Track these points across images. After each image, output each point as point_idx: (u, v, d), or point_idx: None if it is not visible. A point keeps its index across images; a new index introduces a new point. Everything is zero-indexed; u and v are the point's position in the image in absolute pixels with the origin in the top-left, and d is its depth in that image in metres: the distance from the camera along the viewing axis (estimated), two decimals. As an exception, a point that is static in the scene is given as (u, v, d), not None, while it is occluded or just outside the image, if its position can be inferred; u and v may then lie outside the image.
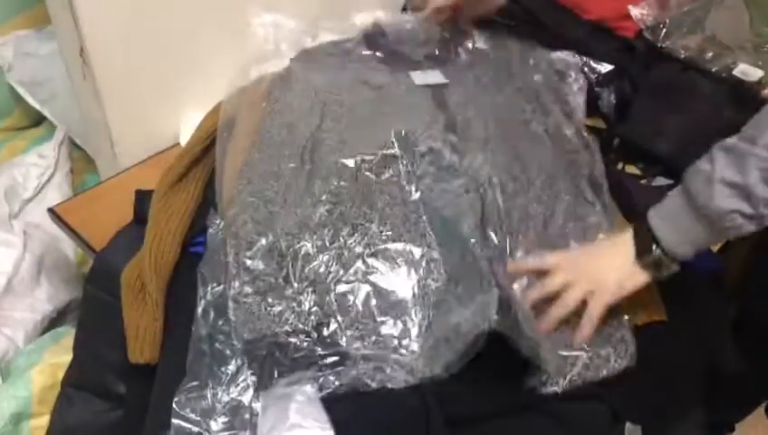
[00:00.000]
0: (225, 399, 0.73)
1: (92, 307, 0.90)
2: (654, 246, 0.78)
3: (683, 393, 0.90)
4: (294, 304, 0.75)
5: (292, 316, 0.74)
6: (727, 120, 1.04)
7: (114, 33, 0.97)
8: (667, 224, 0.78)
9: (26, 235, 1.16)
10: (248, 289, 0.76)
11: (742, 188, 0.70)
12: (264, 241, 0.79)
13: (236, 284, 0.76)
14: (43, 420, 0.90)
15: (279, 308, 0.75)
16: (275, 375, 0.71)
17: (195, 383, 0.73)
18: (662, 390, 0.84)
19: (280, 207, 0.83)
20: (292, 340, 0.72)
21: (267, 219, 0.82)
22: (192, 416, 0.71)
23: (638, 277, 0.80)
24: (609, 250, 0.82)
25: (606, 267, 0.81)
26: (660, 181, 1.13)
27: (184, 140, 1.12)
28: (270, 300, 0.75)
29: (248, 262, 0.78)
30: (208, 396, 0.72)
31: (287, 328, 0.73)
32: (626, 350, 0.81)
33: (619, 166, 1.15)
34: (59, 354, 0.97)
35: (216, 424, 0.71)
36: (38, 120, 1.48)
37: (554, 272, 0.81)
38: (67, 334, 1.05)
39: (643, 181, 1.13)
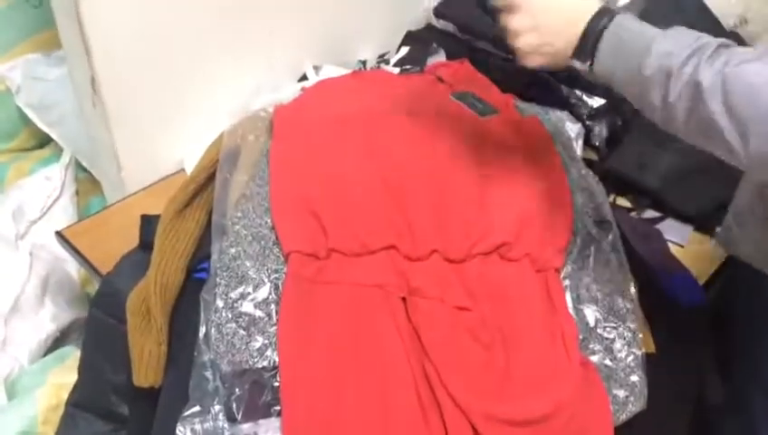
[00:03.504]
0: (227, 424, 0.75)
1: (97, 330, 0.92)
2: (589, 60, 0.75)
3: (671, 423, 0.93)
4: (276, 341, 0.76)
5: (273, 353, 0.76)
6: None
7: (124, 65, 1.01)
8: (614, 55, 0.74)
9: (32, 255, 1.19)
10: (233, 323, 0.78)
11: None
12: (253, 275, 0.81)
13: (222, 314, 0.78)
14: (48, 440, 0.92)
15: (260, 343, 0.76)
16: (242, 412, 0.73)
17: (197, 409, 0.75)
18: (652, 419, 0.86)
19: (273, 244, 0.85)
20: (272, 381, 0.74)
21: (259, 255, 0.83)
22: None
23: (560, 61, 0.78)
24: (566, 25, 0.77)
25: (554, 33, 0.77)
26: (650, 214, 1.17)
27: (188, 167, 1.15)
28: (252, 335, 0.77)
29: (234, 295, 0.80)
30: (210, 421, 0.74)
31: (266, 364, 0.75)
32: (640, 392, 0.83)
33: (611, 198, 1.18)
34: (63, 375, 0.99)
35: (219, 447, 0.74)
36: (44, 141, 1.50)
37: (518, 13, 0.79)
38: (71, 354, 1.07)
39: (633, 213, 1.17)
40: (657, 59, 0.70)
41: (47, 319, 1.16)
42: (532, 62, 0.81)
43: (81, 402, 0.92)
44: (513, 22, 0.79)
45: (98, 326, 0.92)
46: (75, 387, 0.93)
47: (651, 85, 0.70)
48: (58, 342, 1.17)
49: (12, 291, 1.12)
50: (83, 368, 0.93)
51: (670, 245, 1.11)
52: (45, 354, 1.13)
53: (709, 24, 1.35)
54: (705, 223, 1.13)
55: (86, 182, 1.40)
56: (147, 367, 0.83)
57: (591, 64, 0.76)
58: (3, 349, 1.06)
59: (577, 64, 0.77)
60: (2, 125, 1.48)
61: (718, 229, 0.99)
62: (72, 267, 1.26)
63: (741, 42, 1.37)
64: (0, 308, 1.09)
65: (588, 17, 0.76)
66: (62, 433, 0.92)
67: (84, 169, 1.40)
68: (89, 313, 0.96)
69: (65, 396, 0.93)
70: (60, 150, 1.43)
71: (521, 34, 0.79)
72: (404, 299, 0.82)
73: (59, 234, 1.06)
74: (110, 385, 0.89)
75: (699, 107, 0.66)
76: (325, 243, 0.83)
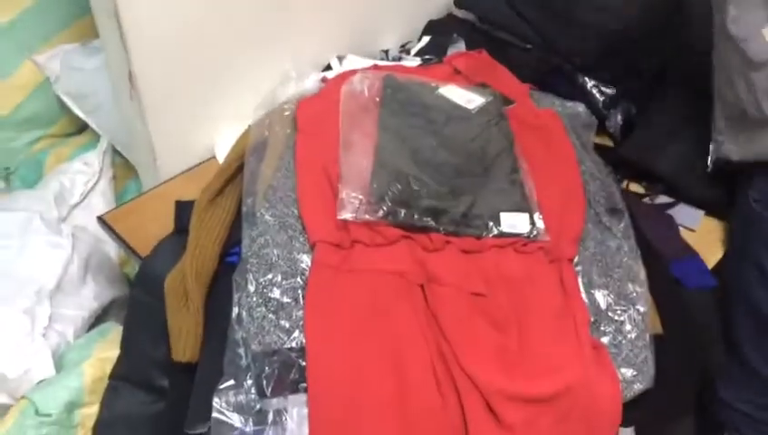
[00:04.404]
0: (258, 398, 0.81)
1: (138, 309, 0.99)
2: None
3: (675, 401, 0.98)
4: (302, 324, 0.81)
5: (300, 335, 0.80)
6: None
7: (160, 61, 1.06)
8: None
9: (74, 237, 1.25)
10: (262, 308, 0.82)
11: None
12: (282, 263, 0.86)
13: (253, 299, 0.83)
14: (93, 409, 0.99)
15: (287, 326, 0.81)
16: (271, 388, 0.78)
17: (231, 383, 0.80)
18: (656, 397, 0.91)
19: (299, 233, 0.89)
20: (299, 360, 0.79)
21: (286, 243, 0.88)
22: (229, 412, 0.79)
23: None
24: None
25: None
26: (662, 199, 1.21)
27: (219, 154, 1.21)
28: (280, 318, 0.82)
29: (264, 281, 0.85)
30: (243, 394, 0.80)
31: (293, 345, 0.80)
32: (647, 372, 0.87)
33: (624, 184, 1.22)
34: (107, 349, 1.06)
35: (251, 419, 0.79)
36: (81, 127, 1.57)
37: None
38: (113, 330, 1.14)
39: (646, 199, 1.21)
40: None
41: (90, 297, 1.22)
42: None
43: (123, 375, 0.98)
44: None
45: (138, 305, 0.99)
46: (118, 361, 0.99)
47: None
48: (100, 318, 1.24)
49: (56, 271, 1.19)
50: (125, 344, 0.99)
51: (682, 229, 1.15)
52: (89, 330, 1.20)
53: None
54: (716, 208, 1.16)
55: (122, 167, 1.47)
56: (185, 345, 0.89)
57: None
58: (50, 325, 1.14)
59: None
60: (42, 112, 1.54)
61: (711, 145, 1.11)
62: (112, 248, 1.33)
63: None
64: (45, 287, 1.16)
65: None
66: (107, 404, 0.98)
67: (120, 155, 1.46)
68: (130, 293, 1.03)
69: (109, 369, 1.00)
70: (97, 136, 1.49)
71: None
72: (422, 286, 0.87)
73: (100, 218, 1.13)
74: (151, 360, 0.95)
75: None
76: (348, 234, 0.89)
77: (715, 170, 1.13)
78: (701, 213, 1.18)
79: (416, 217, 0.90)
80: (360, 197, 0.90)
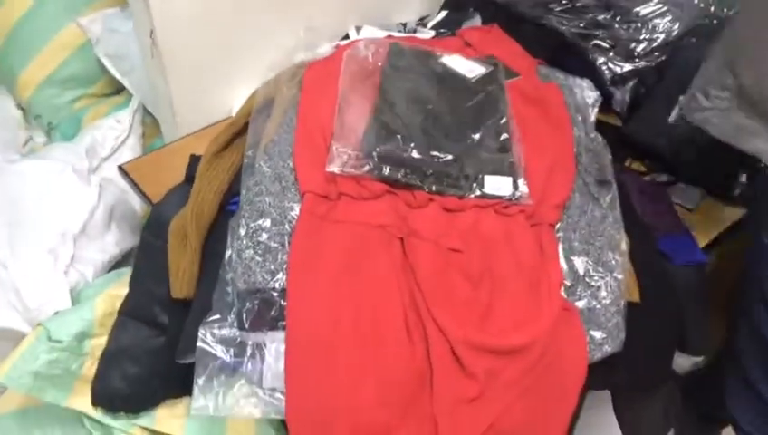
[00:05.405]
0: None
1: (146, 250, 1.06)
2: None
3: (650, 368, 1.00)
4: (286, 267, 0.86)
5: (283, 277, 0.86)
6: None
7: (180, 19, 1.13)
8: None
9: (101, 187, 1.33)
10: (251, 250, 0.88)
11: None
12: (272, 210, 0.91)
13: (243, 242, 0.89)
14: (102, 340, 1.06)
15: (272, 268, 0.86)
16: (250, 322, 0.85)
17: (217, 317, 0.87)
18: (630, 362, 0.93)
19: (291, 184, 0.95)
20: (279, 300, 0.85)
21: (279, 192, 0.93)
22: (213, 343, 0.86)
23: None
24: None
25: None
26: (663, 178, 1.22)
27: (236, 114, 1.28)
28: (267, 261, 0.87)
29: (254, 226, 0.90)
30: (227, 328, 0.86)
31: (276, 286, 0.85)
32: (617, 335, 0.90)
33: (627, 162, 1.24)
34: (119, 288, 1.13)
35: (232, 350, 0.85)
36: (119, 88, 1.66)
37: None
38: (128, 273, 1.22)
39: (647, 178, 1.22)
40: None
41: (112, 243, 1.31)
42: None
43: (130, 312, 1.05)
44: None
45: (146, 247, 1.06)
46: (126, 298, 1.06)
47: None
48: (120, 263, 1.33)
49: (82, 216, 1.27)
50: (133, 282, 1.06)
51: (680, 208, 1.16)
52: (108, 273, 1.29)
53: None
54: (714, 189, 1.17)
55: (151, 126, 1.55)
56: (182, 282, 0.96)
57: None
58: (72, 265, 1.23)
59: None
60: (83, 72, 1.63)
61: (681, 97, 1.04)
62: (135, 200, 1.41)
63: None
64: (71, 230, 1.25)
65: None
66: (114, 336, 1.05)
67: (151, 115, 1.55)
68: (140, 235, 1.10)
69: (119, 305, 1.08)
70: (131, 97, 1.59)
71: None
72: (402, 239, 0.92)
73: (120, 168, 1.21)
74: (155, 297, 1.02)
75: None
76: (336, 187, 0.94)
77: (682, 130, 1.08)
78: (699, 193, 1.19)
79: (401, 174, 0.95)
80: (350, 151, 0.95)
